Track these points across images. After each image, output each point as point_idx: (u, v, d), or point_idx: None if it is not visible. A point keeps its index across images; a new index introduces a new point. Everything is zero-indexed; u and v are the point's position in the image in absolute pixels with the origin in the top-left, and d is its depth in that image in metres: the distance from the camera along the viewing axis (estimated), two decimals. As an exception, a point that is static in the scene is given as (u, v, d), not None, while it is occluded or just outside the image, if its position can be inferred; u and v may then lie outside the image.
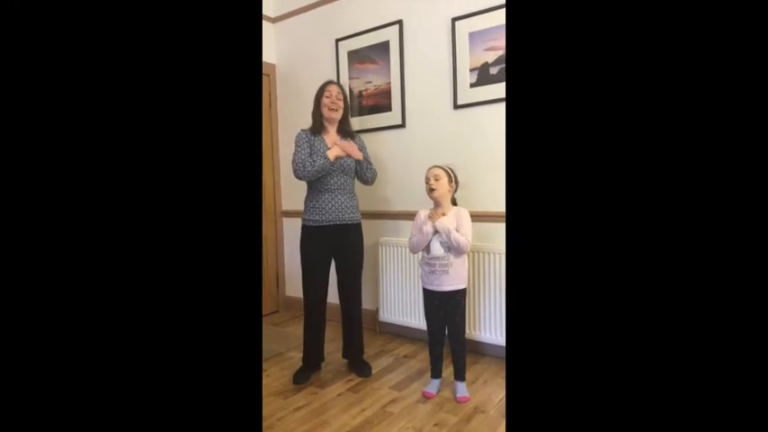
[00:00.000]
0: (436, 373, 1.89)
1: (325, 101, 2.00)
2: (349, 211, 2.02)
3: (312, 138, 1.99)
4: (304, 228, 2.03)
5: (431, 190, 1.80)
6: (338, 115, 2.02)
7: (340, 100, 2.01)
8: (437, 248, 1.78)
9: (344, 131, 2.07)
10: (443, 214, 1.79)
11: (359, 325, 2.12)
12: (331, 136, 2.02)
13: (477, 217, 1.95)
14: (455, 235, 1.73)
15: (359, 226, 2.08)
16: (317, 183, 1.99)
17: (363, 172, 2.07)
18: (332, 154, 1.93)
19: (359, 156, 1.99)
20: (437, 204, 1.82)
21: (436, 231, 1.77)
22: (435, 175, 1.79)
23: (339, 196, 2.00)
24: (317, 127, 2.02)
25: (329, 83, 2.05)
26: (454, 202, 1.87)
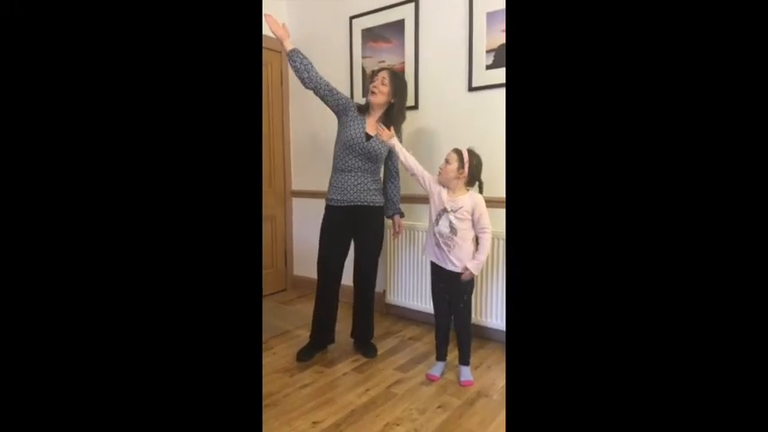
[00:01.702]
0: (441, 356, 1.90)
1: (371, 85, 1.98)
2: (371, 193, 2.01)
3: (356, 114, 1.98)
4: (327, 207, 2.04)
5: (439, 173, 1.81)
6: (377, 100, 1.96)
7: (384, 85, 1.95)
8: (444, 226, 1.77)
9: (386, 122, 1.97)
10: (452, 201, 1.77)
11: (371, 308, 2.13)
12: (371, 120, 2.00)
13: (487, 202, 1.92)
14: (406, 158, 1.84)
15: (381, 209, 2.07)
16: (340, 162, 1.99)
17: (390, 178, 2.09)
18: (379, 133, 1.89)
19: (385, 137, 1.89)
20: (447, 186, 1.80)
21: (446, 210, 1.76)
22: (446, 159, 1.78)
23: (362, 178, 1.99)
24: (363, 107, 2.02)
25: (381, 69, 2.02)
26: (480, 187, 1.83)
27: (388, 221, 2.16)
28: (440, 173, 1.80)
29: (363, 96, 2.65)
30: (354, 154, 1.96)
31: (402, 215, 2.17)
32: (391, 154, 2.06)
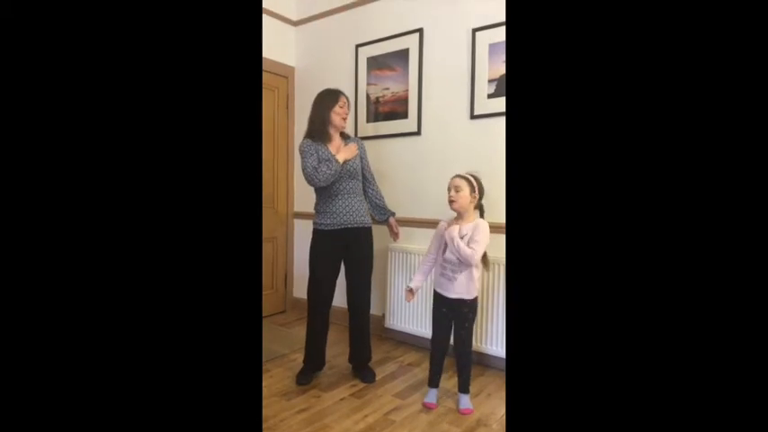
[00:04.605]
0: (434, 382, 1.87)
1: (338, 110, 2.01)
2: (360, 215, 2.04)
3: (317, 146, 2.00)
4: (315, 231, 2.05)
5: (451, 201, 1.78)
6: (344, 126, 2.07)
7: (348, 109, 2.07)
8: (453, 253, 1.76)
9: (345, 135, 2.13)
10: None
11: (367, 331, 2.11)
12: (335, 142, 2.04)
13: (490, 228, 1.94)
14: (458, 242, 1.71)
15: (369, 230, 2.09)
16: (327, 187, 2.00)
17: (367, 185, 2.15)
18: (341, 157, 1.97)
19: (355, 153, 2.03)
20: (459, 215, 1.80)
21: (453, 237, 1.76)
22: (456, 186, 1.76)
23: (350, 200, 2.02)
24: (324, 135, 2.02)
25: (341, 93, 2.06)
26: (482, 212, 1.82)
27: (379, 243, 2.16)
28: (452, 201, 1.77)
29: (368, 122, 2.71)
30: (338, 179, 1.99)
31: (394, 214, 2.20)
32: (364, 164, 2.12)
